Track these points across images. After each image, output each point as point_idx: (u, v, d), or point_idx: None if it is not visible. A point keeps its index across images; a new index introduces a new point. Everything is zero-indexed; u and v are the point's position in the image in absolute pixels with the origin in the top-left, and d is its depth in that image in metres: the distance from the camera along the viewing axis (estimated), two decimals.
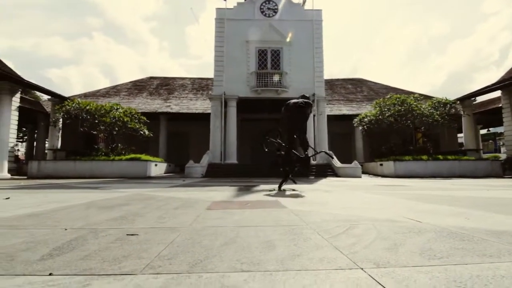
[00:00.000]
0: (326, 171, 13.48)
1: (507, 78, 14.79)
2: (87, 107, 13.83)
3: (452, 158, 13.20)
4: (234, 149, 14.90)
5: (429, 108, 14.19)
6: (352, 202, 3.08)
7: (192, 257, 1.11)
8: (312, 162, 14.59)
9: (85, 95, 20.88)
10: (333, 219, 1.94)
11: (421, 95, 17.38)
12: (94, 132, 14.37)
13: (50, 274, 0.96)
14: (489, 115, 18.77)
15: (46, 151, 18.29)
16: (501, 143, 28.42)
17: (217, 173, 12.65)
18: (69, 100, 14.75)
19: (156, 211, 2.34)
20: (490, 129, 25.66)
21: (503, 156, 17.03)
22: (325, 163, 14.36)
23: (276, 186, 5.09)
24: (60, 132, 16.86)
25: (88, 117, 13.81)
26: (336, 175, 12.94)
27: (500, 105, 15.63)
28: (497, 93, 16.05)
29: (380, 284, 0.84)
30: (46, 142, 18.93)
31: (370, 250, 1.19)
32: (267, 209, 2.46)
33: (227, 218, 2.01)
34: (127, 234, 1.53)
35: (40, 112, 18.56)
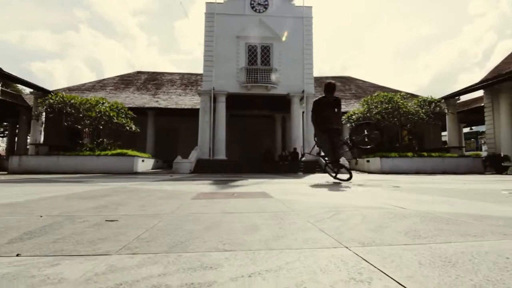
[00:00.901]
0: (314, 167, 13.57)
1: (490, 78, 15.24)
2: (72, 101, 13.43)
3: (436, 155, 13.52)
4: (223, 145, 14.82)
5: (415, 107, 14.48)
6: (338, 193, 3.08)
7: (172, 240, 1.07)
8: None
9: (70, 89, 20.29)
10: (320, 206, 1.92)
11: (407, 93, 17.72)
12: (78, 127, 13.99)
13: (18, 255, 0.90)
14: (472, 114, 19.33)
15: (28, 146, 17.69)
16: (483, 142, 29.37)
17: (205, 169, 12.54)
18: (52, 94, 14.28)
19: (138, 201, 2.27)
20: (472, 128, 26.46)
21: (484, 154, 17.58)
22: (313, 159, 14.46)
23: (264, 180, 5.07)
24: (43, 126, 16.34)
25: (73, 111, 13.41)
26: (324, 171, 13.04)
27: (482, 104, 16.09)
28: (480, 93, 16.53)
29: (365, 260, 0.82)
30: (28, 137, 18.30)
31: (355, 231, 1.17)
32: (253, 199, 2.42)
33: (212, 206, 1.96)
34: (106, 220, 1.47)
35: (22, 106, 17.93)
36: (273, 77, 14.89)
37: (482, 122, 17.85)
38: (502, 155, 13.15)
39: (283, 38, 15.30)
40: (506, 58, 17.63)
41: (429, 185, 4.24)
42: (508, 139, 13.58)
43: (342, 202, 2.17)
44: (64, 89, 19.72)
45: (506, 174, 12.29)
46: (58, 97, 13.44)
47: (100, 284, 0.67)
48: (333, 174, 5.22)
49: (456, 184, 4.48)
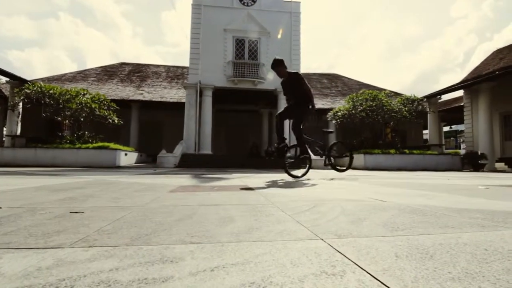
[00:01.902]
0: (300, 163, 13.62)
1: (470, 79, 15.73)
2: (51, 91, 12.87)
3: (418, 152, 13.86)
4: (209, 140, 14.64)
5: (398, 105, 14.76)
6: (320, 187, 3.06)
7: (137, 232, 0.99)
8: (287, 154, 14.71)
9: (49, 79, 19.47)
10: (300, 199, 1.88)
11: (391, 91, 18.05)
12: (58, 119, 13.44)
13: None
14: (452, 113, 19.94)
15: (4, 138, 16.89)
16: (461, 140, 30.44)
17: (190, 164, 12.36)
18: (30, 84, 13.63)
19: (112, 193, 2.15)
20: (452, 126, 27.34)
21: (462, 152, 18.21)
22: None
23: (249, 174, 5.01)
24: (20, 117, 15.61)
25: (52, 102, 12.86)
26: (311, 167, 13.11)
27: (462, 104, 16.61)
28: (460, 93, 17.05)
29: (339, 252, 0.77)
30: (4, 128, 17.46)
31: (332, 223, 1.13)
32: (234, 192, 2.36)
33: (189, 199, 1.88)
34: (71, 212, 1.36)
35: None
36: (260, 72, 14.79)
37: (461, 121, 18.45)
38: (479, 153, 13.63)
39: (279, 36, 15.21)
40: (485, 60, 18.23)
41: (410, 180, 4.30)
42: (485, 138, 14.08)
43: (323, 196, 2.14)
44: (43, 79, 18.89)
45: (483, 171, 12.76)
46: (36, 87, 12.84)
47: (40, 279, 0.59)
48: (287, 162, 4.57)
49: (435, 180, 4.57)
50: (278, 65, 4.23)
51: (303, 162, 4.90)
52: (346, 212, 1.41)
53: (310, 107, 4.26)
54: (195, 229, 1.02)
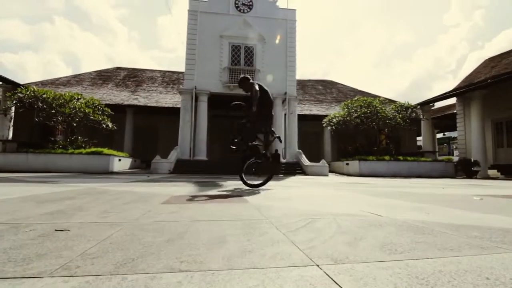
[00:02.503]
0: (295, 169, 13.62)
1: (462, 86, 15.97)
2: (44, 96, 12.72)
3: (412, 159, 13.96)
4: (204, 145, 14.56)
5: (393, 112, 14.90)
6: (316, 198, 3.03)
7: (123, 256, 0.94)
8: (282, 160, 14.70)
9: (43, 83, 19.27)
10: (295, 214, 1.84)
11: (386, 98, 18.21)
12: (51, 123, 13.26)
13: None
14: (445, 120, 20.19)
15: None
16: (454, 147, 30.79)
17: (185, 170, 12.25)
18: (23, 88, 13.45)
19: (102, 205, 2.09)
20: (445, 133, 27.67)
21: (455, 158, 18.40)
22: (294, 161, 14.51)
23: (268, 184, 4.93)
24: (12, 121, 15.38)
25: (45, 106, 12.70)
26: (304, 173, 13.12)
27: (455, 111, 16.83)
28: (453, 100, 17.28)
29: (335, 283, 0.73)
30: None
31: (328, 245, 1.09)
32: (228, 204, 2.31)
33: (181, 213, 1.83)
34: (56, 230, 1.30)
35: None
36: (256, 78, 14.81)
37: (454, 128, 18.69)
38: (472, 160, 13.78)
39: (277, 41, 15.30)
40: (477, 68, 18.56)
41: (405, 189, 4.29)
42: (478, 145, 14.25)
43: (319, 209, 2.10)
44: (36, 83, 18.69)
45: (476, 178, 12.88)
46: (29, 91, 12.68)
47: None
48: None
49: (430, 189, 4.57)
50: (242, 82, 4.32)
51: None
52: (342, 229, 1.37)
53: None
54: (185, 253, 0.98)
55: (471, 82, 15.65)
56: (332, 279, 0.76)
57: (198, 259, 0.91)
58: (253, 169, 4.23)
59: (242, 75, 4.39)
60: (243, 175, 4.06)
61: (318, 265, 0.86)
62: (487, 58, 18.71)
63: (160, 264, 0.86)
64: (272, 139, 4.45)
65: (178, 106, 15.93)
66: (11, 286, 0.70)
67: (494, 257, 0.95)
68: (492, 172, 15.19)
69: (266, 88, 4.30)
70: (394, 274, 0.79)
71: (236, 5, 15.44)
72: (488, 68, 17.24)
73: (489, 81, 13.45)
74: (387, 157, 13.49)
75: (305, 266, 0.86)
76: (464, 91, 15.01)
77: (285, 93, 15.10)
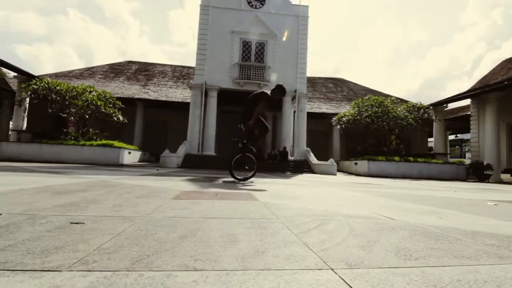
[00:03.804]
0: (303, 167, 13.57)
1: (477, 88, 15.56)
2: (57, 88, 12.97)
3: (422, 160, 13.74)
4: (213, 141, 14.64)
5: (404, 112, 14.65)
6: (325, 197, 3.01)
7: (138, 252, 0.95)
8: (290, 158, 14.65)
9: (57, 75, 19.64)
10: (305, 214, 1.83)
11: (397, 98, 17.92)
12: (64, 115, 13.52)
13: None
14: (458, 122, 19.75)
15: (10, 132, 17.04)
16: (467, 149, 30.13)
17: (193, 164, 12.35)
18: (37, 79, 13.74)
19: (115, 199, 2.12)
20: (457, 135, 27.09)
21: (467, 161, 18.01)
22: (302, 159, 14.46)
23: (252, 179, 4.96)
24: (26, 112, 15.75)
25: (58, 98, 12.95)
26: (312, 171, 13.06)
27: (469, 113, 16.43)
28: (467, 101, 16.86)
29: None
30: (11, 122, 17.61)
31: (342, 248, 1.08)
32: (237, 201, 2.31)
33: (192, 209, 1.84)
34: (71, 222, 1.33)
35: (4, 90, 17.24)
36: (266, 74, 14.76)
37: (467, 130, 18.26)
38: (485, 164, 13.46)
39: (284, 38, 15.18)
40: (494, 69, 18.04)
41: (416, 192, 4.23)
42: (491, 148, 13.90)
43: (330, 209, 2.09)
44: (50, 75, 19.07)
45: (488, 182, 12.59)
46: (43, 83, 12.95)
47: None
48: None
49: (442, 192, 4.49)
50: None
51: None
52: (355, 232, 1.36)
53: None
54: (198, 250, 0.98)
55: (487, 84, 15.22)
56: (348, 284, 0.75)
57: (212, 257, 0.92)
58: (246, 167, 4.76)
59: (260, 92, 4.85)
60: (232, 169, 4.60)
61: (333, 269, 0.85)
62: (504, 59, 18.17)
63: (175, 262, 0.86)
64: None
65: (188, 100, 16.02)
66: (31, 279, 0.71)
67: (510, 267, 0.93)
68: (505, 177, 14.82)
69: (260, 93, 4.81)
70: (411, 281, 0.78)
71: (249, 1, 15.35)
72: (505, 70, 16.73)
73: (505, 83, 13.06)
74: (397, 158, 13.31)
75: (320, 269, 0.85)
76: (479, 92, 14.62)
77: (295, 90, 15.00)
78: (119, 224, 1.33)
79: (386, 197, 3.20)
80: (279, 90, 4.77)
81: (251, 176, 4.75)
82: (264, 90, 4.80)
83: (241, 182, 4.47)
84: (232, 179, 4.62)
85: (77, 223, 1.33)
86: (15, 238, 1.05)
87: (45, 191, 2.46)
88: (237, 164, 4.70)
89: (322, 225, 1.50)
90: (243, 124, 4.68)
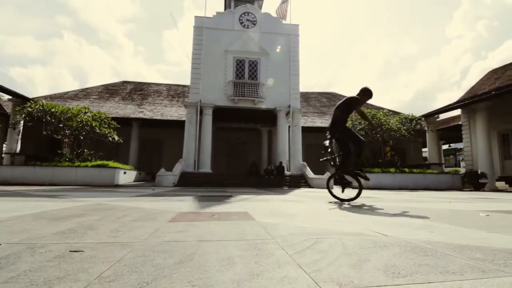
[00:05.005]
0: (299, 181, 13.59)
1: (466, 98, 15.97)
2: (52, 110, 13.03)
3: (417, 171, 13.86)
4: (209, 158, 14.65)
5: (397, 123, 14.91)
6: (321, 214, 3.05)
7: (138, 279, 0.98)
8: (287, 172, 14.69)
9: (51, 97, 19.74)
10: (300, 233, 1.87)
11: (390, 110, 18.26)
12: (58, 137, 13.51)
13: None
14: (450, 132, 20.09)
15: (3, 155, 16.89)
16: (461, 158, 30.47)
17: (190, 183, 12.31)
18: (32, 102, 13.81)
19: (111, 224, 2.14)
20: (451, 144, 27.46)
21: (462, 170, 18.19)
22: (299, 174, 14.49)
23: (248, 196, 4.98)
24: (20, 135, 15.70)
25: (53, 120, 12.98)
26: (309, 185, 13.07)
27: (460, 122, 16.77)
28: (458, 112, 17.25)
29: None
30: (4, 145, 17.49)
31: (334, 268, 1.13)
32: (234, 222, 2.35)
33: (189, 232, 1.87)
34: (70, 251, 1.36)
35: None
36: (260, 91, 15.03)
37: (460, 140, 18.57)
38: (479, 172, 13.62)
39: (277, 50, 15.58)
40: (481, 79, 18.59)
41: (412, 204, 4.28)
42: (484, 156, 14.12)
43: (325, 227, 2.13)
44: (45, 97, 19.15)
45: (483, 190, 12.70)
46: (38, 105, 13.01)
47: None
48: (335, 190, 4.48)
49: (437, 203, 4.55)
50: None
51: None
52: (347, 251, 1.40)
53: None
54: (195, 276, 1.02)
55: (475, 94, 15.65)
56: None
57: (209, 282, 0.96)
58: (344, 182, 4.40)
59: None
60: (329, 188, 4.52)
61: None
62: (491, 69, 18.77)
63: None
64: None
65: (183, 119, 16.15)
66: None
67: (494, 282, 0.98)
68: (500, 184, 14.97)
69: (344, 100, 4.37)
70: None
71: (241, 21, 15.85)
72: (492, 80, 17.25)
73: (493, 92, 13.46)
74: (392, 170, 13.42)
75: None
76: (469, 102, 15.00)
77: (289, 106, 15.24)
78: (117, 251, 1.36)
79: (381, 212, 3.25)
80: (367, 93, 4.27)
81: (357, 196, 4.25)
82: (352, 96, 4.32)
83: (345, 202, 4.19)
84: (232, 197, 4.63)
85: (76, 251, 1.36)
86: (17, 270, 1.08)
87: (41, 217, 2.47)
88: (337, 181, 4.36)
89: (316, 244, 1.54)
90: (335, 135, 4.24)
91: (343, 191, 4.44)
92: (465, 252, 1.39)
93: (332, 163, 4.44)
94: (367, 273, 1.07)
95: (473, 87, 18.11)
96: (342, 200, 4.26)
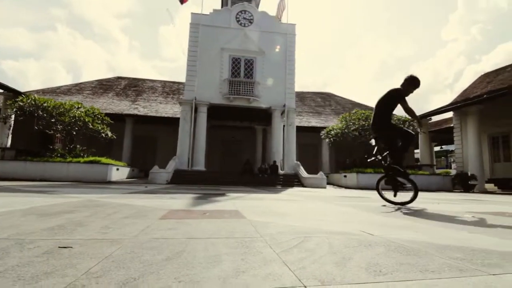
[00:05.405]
0: (293, 181, 13.66)
1: (459, 101, 16.21)
2: (44, 104, 12.86)
3: (409, 172, 14.02)
4: (203, 156, 14.63)
5: None
6: (312, 213, 3.09)
7: (125, 275, 1.00)
8: (280, 171, 14.75)
9: (44, 92, 19.46)
10: (289, 231, 1.91)
11: None
12: (50, 132, 13.35)
13: None
14: (442, 134, 20.38)
15: None
16: (452, 160, 30.95)
17: (183, 180, 12.28)
18: (23, 96, 13.60)
19: (102, 220, 2.15)
20: (442, 146, 27.86)
21: (453, 172, 18.48)
22: (292, 173, 14.57)
23: (241, 195, 5.01)
24: (11, 129, 15.46)
25: (45, 115, 12.82)
26: (302, 185, 13.16)
27: (452, 125, 17.02)
28: (450, 114, 17.51)
29: None
30: None
31: (318, 265, 1.16)
32: (225, 219, 2.37)
33: (179, 229, 1.89)
34: (59, 247, 1.37)
35: None
36: (256, 90, 15.03)
37: (452, 142, 18.86)
38: (469, 174, 13.86)
39: (274, 49, 15.59)
40: (473, 83, 18.88)
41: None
42: (475, 159, 14.38)
43: (314, 226, 2.17)
44: (37, 91, 18.88)
45: (473, 192, 12.93)
46: (30, 99, 12.83)
47: None
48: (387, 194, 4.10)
49: (425, 204, 4.63)
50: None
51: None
52: (333, 249, 1.44)
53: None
54: (182, 272, 1.04)
55: (468, 97, 15.89)
56: None
57: (195, 278, 0.98)
58: (402, 187, 3.99)
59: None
60: (380, 190, 4.15)
61: (305, 286, 0.93)
62: (483, 72, 19.07)
63: (160, 284, 0.92)
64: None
65: (178, 116, 16.08)
66: None
67: (471, 280, 1.02)
68: (489, 186, 15.26)
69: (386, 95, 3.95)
70: None
71: (237, 19, 15.81)
72: (484, 83, 17.54)
73: (485, 96, 13.69)
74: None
75: (294, 287, 0.93)
76: (460, 105, 15.24)
77: (284, 105, 15.28)
78: (106, 247, 1.37)
79: (370, 212, 3.30)
80: (412, 82, 3.78)
81: (413, 199, 3.83)
82: (394, 87, 3.89)
83: (398, 206, 3.86)
84: (224, 195, 4.64)
85: (65, 247, 1.37)
86: (5, 264, 1.09)
87: (31, 213, 2.46)
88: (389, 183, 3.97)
89: (304, 242, 1.58)
90: (381, 133, 3.92)
91: (395, 194, 4.05)
92: (446, 252, 1.44)
93: (383, 162, 4.04)
94: (350, 271, 1.10)
95: (465, 90, 18.40)
96: (396, 204, 3.90)
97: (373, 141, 4.08)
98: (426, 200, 5.78)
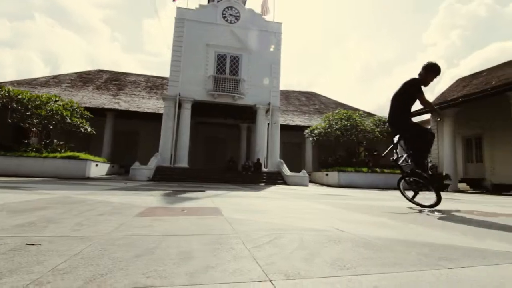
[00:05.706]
0: (276, 178, 13.78)
1: (437, 103, 16.84)
2: (19, 96, 12.30)
3: (388, 171, 14.49)
4: (186, 153, 14.48)
5: (371, 125, 15.48)
6: (291, 211, 3.15)
7: (93, 271, 1.00)
8: (264, 169, 14.84)
9: (19, 83, 18.58)
10: (265, 228, 1.95)
11: (365, 112, 18.86)
12: (25, 125, 12.79)
13: None
14: None
15: None
16: (429, 160, 32.14)
17: (165, 177, 12.12)
18: None
19: (75, 218, 2.11)
20: None
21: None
22: (276, 171, 14.69)
23: (223, 192, 5.02)
24: None
25: (20, 107, 12.27)
26: (285, 183, 13.30)
27: (430, 126, 17.67)
28: (428, 116, 18.16)
29: None
30: None
31: (287, 261, 1.20)
32: (202, 217, 2.38)
33: (155, 227, 1.89)
34: (27, 244, 1.34)
35: None
36: (241, 87, 15.01)
37: None
38: (444, 174, 14.47)
39: (260, 47, 15.56)
40: (450, 86, 19.66)
41: (376, 203, 4.51)
42: (449, 159, 15.02)
43: (290, 223, 2.22)
44: (12, 83, 18.00)
45: (447, 191, 13.52)
46: (3, 91, 12.23)
47: None
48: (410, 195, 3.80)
49: (399, 202, 4.81)
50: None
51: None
52: (304, 245, 1.49)
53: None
54: (151, 268, 1.05)
55: (445, 100, 16.55)
56: None
57: (164, 274, 1.00)
58: (420, 186, 3.59)
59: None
60: (403, 191, 3.87)
61: (271, 281, 0.97)
62: (460, 76, 19.89)
63: (127, 280, 0.93)
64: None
65: (161, 111, 15.81)
66: None
67: (425, 273, 1.09)
68: (462, 186, 15.99)
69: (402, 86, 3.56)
70: None
71: (224, 16, 15.69)
72: (460, 87, 18.31)
73: (460, 99, 14.30)
74: (365, 169, 13.95)
75: (260, 281, 0.96)
76: (438, 108, 15.84)
77: (269, 103, 15.35)
78: (76, 244, 1.36)
79: (347, 209, 3.40)
80: (431, 69, 3.39)
81: (437, 203, 3.37)
82: (411, 78, 3.50)
83: (427, 209, 3.48)
84: (205, 192, 4.63)
85: (33, 244, 1.34)
86: None
87: (2, 209, 2.38)
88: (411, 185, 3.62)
89: (276, 239, 1.62)
90: (400, 130, 3.59)
91: (414, 197, 3.74)
92: (409, 247, 1.52)
93: (399, 162, 3.69)
94: (315, 265, 1.15)
95: (443, 93, 19.14)
96: (423, 206, 3.55)
97: (395, 139, 3.67)
98: (401, 198, 6.00)
